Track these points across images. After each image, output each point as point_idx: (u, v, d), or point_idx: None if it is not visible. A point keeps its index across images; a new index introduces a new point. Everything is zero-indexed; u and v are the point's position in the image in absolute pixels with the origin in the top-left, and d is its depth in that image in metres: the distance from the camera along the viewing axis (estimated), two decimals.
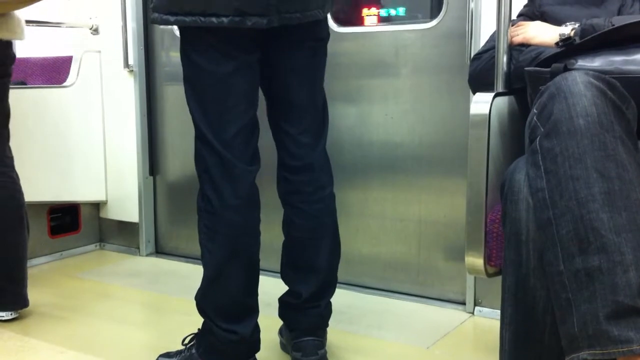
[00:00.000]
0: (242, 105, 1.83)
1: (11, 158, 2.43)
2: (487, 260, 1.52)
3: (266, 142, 1.99)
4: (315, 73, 1.97)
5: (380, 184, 2.72)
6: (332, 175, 2.05)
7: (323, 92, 2.02)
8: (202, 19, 1.72)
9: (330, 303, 2.07)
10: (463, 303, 2.55)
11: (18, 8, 2.26)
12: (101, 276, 3.03)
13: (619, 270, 1.14)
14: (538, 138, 1.29)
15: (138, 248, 3.35)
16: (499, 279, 1.47)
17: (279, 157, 2.00)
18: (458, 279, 2.57)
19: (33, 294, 2.50)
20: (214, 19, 1.72)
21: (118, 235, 3.43)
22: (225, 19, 1.71)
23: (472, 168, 1.51)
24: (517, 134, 1.55)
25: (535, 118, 1.32)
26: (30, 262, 2.48)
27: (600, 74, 1.28)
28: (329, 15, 2.05)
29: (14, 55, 2.37)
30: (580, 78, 1.26)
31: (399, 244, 2.71)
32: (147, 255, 3.35)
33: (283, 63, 1.90)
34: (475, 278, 2.48)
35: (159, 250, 3.39)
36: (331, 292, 2.07)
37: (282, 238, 2.06)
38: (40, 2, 2.24)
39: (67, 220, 3.34)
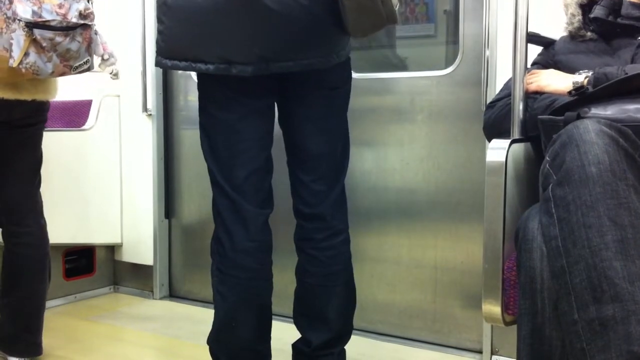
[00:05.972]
0: (252, 150, 1.82)
1: (41, 204, 2.40)
2: (505, 308, 1.50)
3: (282, 186, 1.99)
4: (332, 120, 1.91)
5: (396, 230, 2.71)
6: (347, 220, 2.00)
7: (344, 140, 1.95)
8: (193, 64, 1.73)
9: (344, 351, 2.02)
10: (480, 352, 2.51)
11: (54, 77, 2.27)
12: (115, 319, 3.02)
13: (633, 320, 1.12)
14: (551, 186, 1.29)
15: (152, 291, 3.35)
16: (516, 327, 1.45)
17: (293, 202, 1.97)
18: (475, 327, 2.54)
19: (46, 337, 2.48)
20: (201, 66, 1.72)
21: (132, 278, 3.42)
22: (211, 66, 1.70)
23: (489, 215, 1.50)
24: (533, 181, 1.53)
25: (547, 166, 1.32)
26: None
27: (612, 122, 1.28)
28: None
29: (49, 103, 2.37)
30: (592, 126, 1.26)
31: (415, 290, 2.68)
32: (161, 298, 3.34)
33: (296, 109, 1.88)
34: (492, 326, 2.44)
35: (173, 294, 3.38)
36: (344, 341, 2.02)
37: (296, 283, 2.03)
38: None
39: (82, 262, 3.34)
